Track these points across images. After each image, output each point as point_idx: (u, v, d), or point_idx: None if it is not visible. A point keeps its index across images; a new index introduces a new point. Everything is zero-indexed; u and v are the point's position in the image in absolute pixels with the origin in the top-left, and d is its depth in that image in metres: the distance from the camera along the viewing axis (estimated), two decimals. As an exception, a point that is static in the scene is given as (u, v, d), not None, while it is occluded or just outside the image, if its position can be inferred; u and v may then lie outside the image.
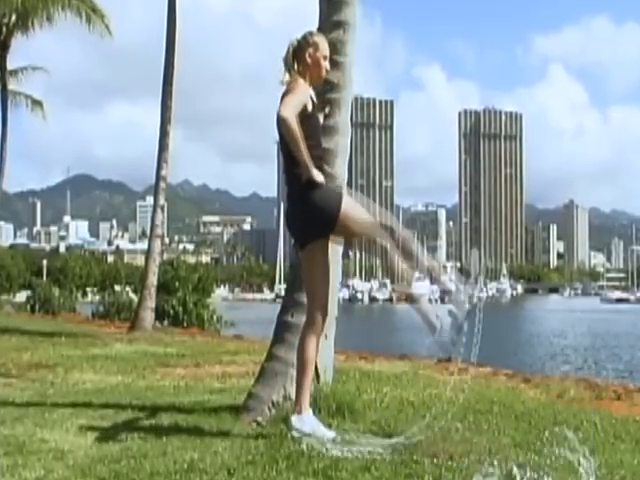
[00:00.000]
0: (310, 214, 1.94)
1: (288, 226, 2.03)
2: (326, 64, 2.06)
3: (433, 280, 1.98)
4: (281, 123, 1.88)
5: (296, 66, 2.02)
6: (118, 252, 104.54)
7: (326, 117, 2.34)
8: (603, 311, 37.45)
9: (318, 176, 1.92)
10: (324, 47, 2.05)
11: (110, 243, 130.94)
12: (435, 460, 1.71)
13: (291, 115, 1.89)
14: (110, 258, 75.20)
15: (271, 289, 69.66)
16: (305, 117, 1.96)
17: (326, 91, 2.34)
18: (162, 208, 8.51)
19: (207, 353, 5.13)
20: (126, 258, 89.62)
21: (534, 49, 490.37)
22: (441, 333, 1.93)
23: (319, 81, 2.08)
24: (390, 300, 58.15)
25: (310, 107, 1.99)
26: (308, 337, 2.00)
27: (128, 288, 18.20)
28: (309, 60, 2.02)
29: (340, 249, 2.49)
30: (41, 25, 9.40)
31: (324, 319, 2.03)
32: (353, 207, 1.96)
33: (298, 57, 2.03)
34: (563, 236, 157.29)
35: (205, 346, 6.04)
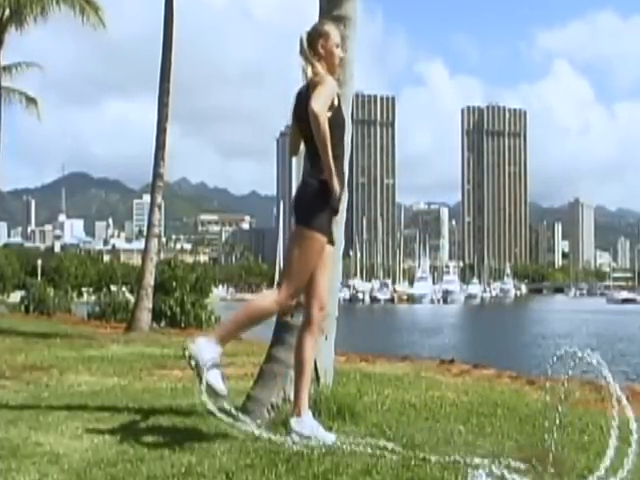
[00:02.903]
0: (299, 204, 1.94)
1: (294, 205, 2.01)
2: (339, 52, 2.04)
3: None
4: (312, 118, 1.86)
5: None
6: (114, 251, 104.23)
7: None
8: (609, 312, 37.23)
9: (337, 184, 1.90)
10: (335, 35, 2.04)
11: (106, 242, 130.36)
12: (438, 463, 1.68)
13: (323, 111, 1.87)
14: (106, 257, 74.89)
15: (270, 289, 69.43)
16: (333, 112, 1.93)
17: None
18: (159, 207, 8.47)
19: (205, 354, 5.08)
20: (122, 257, 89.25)
21: (538, 44, 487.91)
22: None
23: (334, 71, 2.05)
24: (391, 300, 57.70)
25: (337, 101, 1.97)
26: (306, 337, 1.97)
27: (124, 288, 18.12)
28: (322, 51, 2.00)
29: (341, 248, 2.46)
30: (35, 19, 9.31)
31: (322, 318, 2.00)
32: (316, 254, 1.91)
33: (311, 49, 2.00)
34: (568, 235, 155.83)
35: (203, 347, 5.98)
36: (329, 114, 1.90)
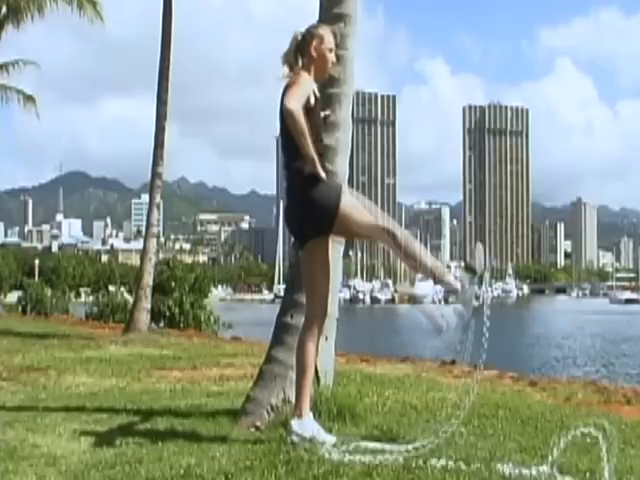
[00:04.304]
0: (308, 210, 1.91)
1: (287, 223, 2.00)
2: (332, 56, 2.03)
3: (437, 280, 1.93)
4: (287, 115, 1.84)
5: (301, 60, 1.98)
6: (112, 251, 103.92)
7: (326, 115, 2.30)
8: (612, 312, 37.13)
9: (323, 173, 1.89)
10: (329, 39, 2.02)
11: (104, 242, 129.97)
12: (439, 466, 1.67)
13: (297, 107, 1.85)
14: (104, 257, 74.60)
15: (270, 289, 68.97)
16: (308, 112, 1.92)
17: (326, 86, 2.29)
18: (158, 206, 8.37)
19: (204, 355, 5.07)
20: (121, 257, 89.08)
21: (540, 42, 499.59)
22: (447, 333, 1.89)
23: (324, 74, 2.04)
24: (392, 301, 56.74)
25: (312, 101, 1.96)
26: (307, 338, 1.96)
27: (123, 288, 17.95)
28: (314, 53, 1.99)
29: (341, 248, 2.45)
30: (32, 17, 9.24)
31: (323, 320, 2.00)
32: (353, 205, 1.93)
33: (303, 51, 1.99)
34: (571, 235, 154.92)
35: (202, 348, 5.96)
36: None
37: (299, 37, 1.99)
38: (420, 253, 1.92)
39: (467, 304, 1.87)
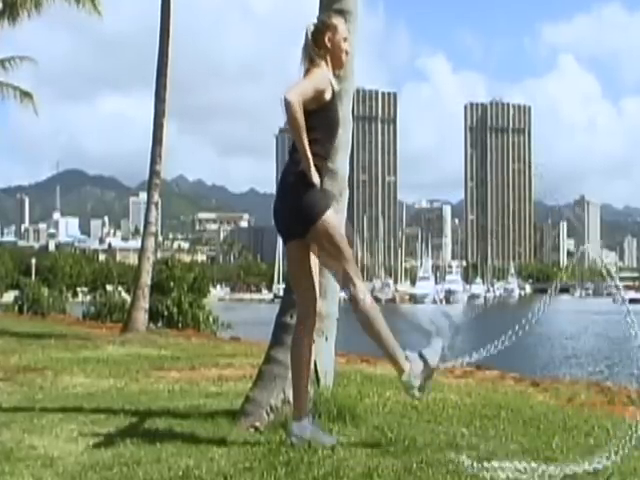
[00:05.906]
0: (296, 210, 1.88)
1: (274, 217, 1.97)
2: (346, 46, 2.01)
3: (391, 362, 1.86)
4: (284, 107, 1.82)
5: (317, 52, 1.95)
6: (110, 250, 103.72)
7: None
8: (616, 312, 37.25)
9: (314, 176, 1.86)
10: (343, 29, 2.00)
11: (102, 241, 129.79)
12: (440, 467, 1.66)
13: (296, 99, 1.81)
14: (102, 257, 74.39)
15: (269, 289, 68.74)
16: (322, 107, 1.89)
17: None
18: (156, 205, 8.32)
19: (203, 355, 5.06)
20: (118, 257, 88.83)
21: (543, 39, 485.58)
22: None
23: (341, 64, 2.02)
24: (393, 300, 56.90)
25: (329, 96, 1.92)
26: (300, 337, 1.94)
27: (120, 288, 17.88)
28: (329, 44, 1.96)
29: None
30: (29, 14, 9.18)
31: (314, 318, 1.98)
32: (336, 225, 1.90)
33: (317, 42, 1.97)
34: (574, 234, 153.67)
35: (201, 348, 5.95)
36: (313, 106, 1.84)
37: (312, 29, 1.96)
38: (378, 330, 1.89)
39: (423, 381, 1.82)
